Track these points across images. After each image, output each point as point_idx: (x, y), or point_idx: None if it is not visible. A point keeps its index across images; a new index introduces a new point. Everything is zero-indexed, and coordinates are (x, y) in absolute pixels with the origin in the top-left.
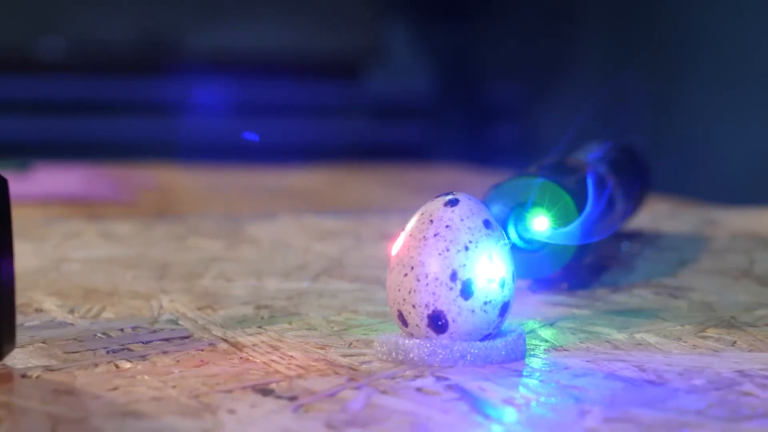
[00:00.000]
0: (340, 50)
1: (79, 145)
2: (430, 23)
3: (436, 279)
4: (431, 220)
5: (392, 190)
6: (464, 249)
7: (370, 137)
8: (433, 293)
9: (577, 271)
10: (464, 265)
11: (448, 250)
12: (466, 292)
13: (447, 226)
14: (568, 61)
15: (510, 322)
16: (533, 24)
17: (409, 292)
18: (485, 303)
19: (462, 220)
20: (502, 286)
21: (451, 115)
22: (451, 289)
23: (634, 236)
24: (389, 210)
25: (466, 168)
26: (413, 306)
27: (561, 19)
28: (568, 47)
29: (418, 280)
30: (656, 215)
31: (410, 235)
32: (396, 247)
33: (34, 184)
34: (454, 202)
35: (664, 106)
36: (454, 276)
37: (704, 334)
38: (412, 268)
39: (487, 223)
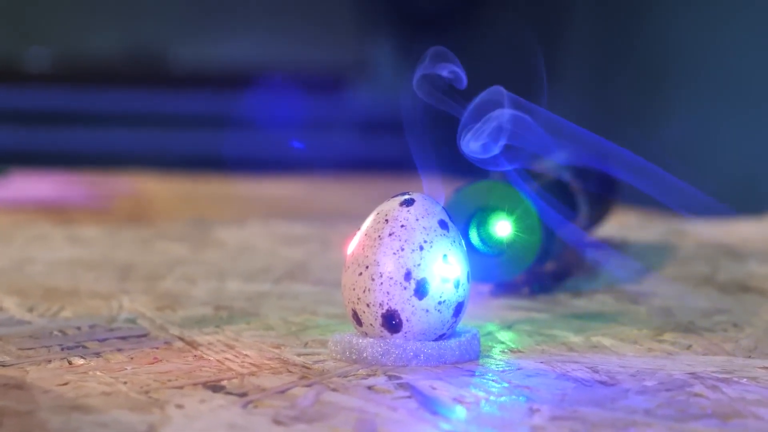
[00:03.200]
0: (325, 64)
1: (60, 154)
2: (415, 38)
3: (391, 278)
4: (386, 220)
5: (368, 200)
6: (419, 249)
7: (355, 150)
8: (387, 292)
9: (539, 276)
10: (419, 265)
11: (402, 249)
12: (421, 291)
13: (402, 226)
14: (553, 74)
15: (469, 324)
16: (518, 39)
17: (364, 291)
18: (439, 303)
19: (417, 219)
20: (457, 286)
21: (435, 128)
22: (405, 288)
23: (602, 245)
24: (360, 216)
25: (449, 180)
26: (367, 305)
27: (546, 34)
28: (553, 62)
29: (373, 280)
30: (625, 225)
31: (366, 235)
32: (351, 246)
33: (9, 189)
34: (409, 202)
35: (639, 118)
36: (408, 275)
37: (661, 338)
38: (367, 267)
39: (442, 224)
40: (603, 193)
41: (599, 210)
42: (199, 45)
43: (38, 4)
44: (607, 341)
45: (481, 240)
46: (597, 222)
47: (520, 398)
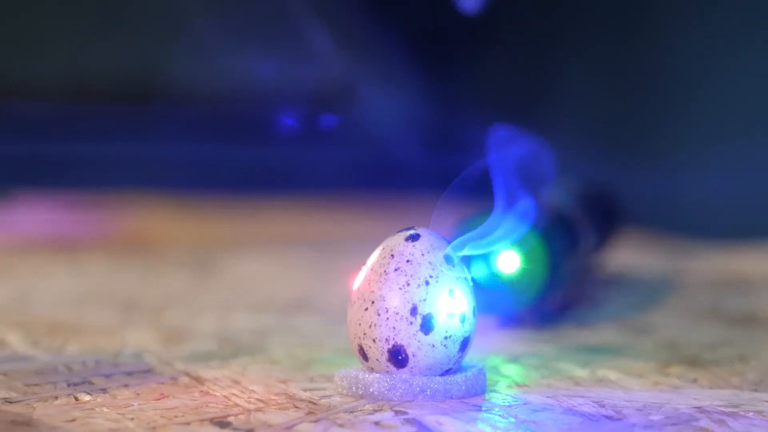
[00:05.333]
0: (324, 82)
1: (61, 174)
2: (413, 57)
3: (397, 313)
4: (392, 255)
5: (373, 227)
6: (425, 284)
7: (357, 167)
8: (393, 328)
9: (545, 309)
10: (424, 300)
11: (408, 284)
12: (426, 326)
13: (408, 261)
14: (552, 92)
15: (474, 357)
16: (517, 58)
17: (370, 327)
18: (445, 338)
19: (423, 254)
20: (463, 320)
21: (435, 147)
22: (411, 323)
23: (605, 273)
24: (366, 242)
25: (454, 200)
26: (373, 340)
27: (544, 53)
28: (552, 79)
29: (379, 315)
30: (629, 255)
31: (371, 270)
32: (357, 281)
33: (10, 214)
34: (415, 237)
35: (642, 140)
36: (414, 310)
37: (667, 371)
38: (373, 302)
39: (448, 258)
40: (608, 222)
41: (604, 240)
42: (199, 64)
43: (38, 19)
44: (613, 375)
45: (486, 272)
46: (602, 252)
47: None
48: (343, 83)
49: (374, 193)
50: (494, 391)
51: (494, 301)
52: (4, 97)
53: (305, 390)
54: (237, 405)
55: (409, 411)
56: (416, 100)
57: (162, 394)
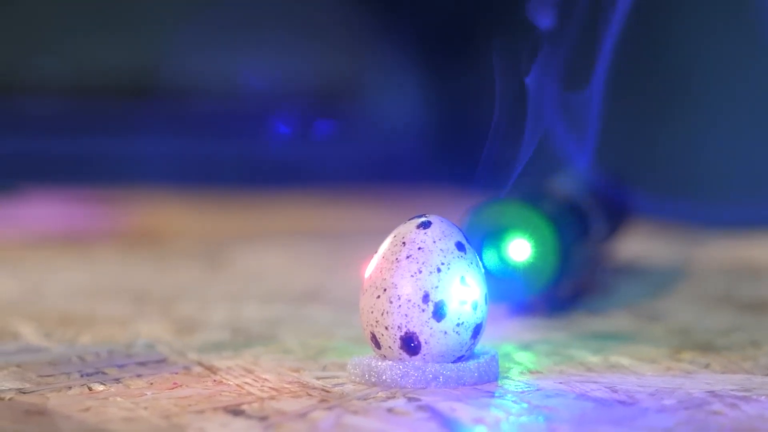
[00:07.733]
0: (331, 77)
1: (69, 168)
2: (423, 50)
3: (409, 301)
4: (404, 242)
5: (382, 218)
6: (436, 271)
7: (365, 162)
8: (406, 315)
9: (555, 296)
10: (436, 287)
11: (420, 272)
12: (439, 313)
13: (419, 248)
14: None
15: (486, 344)
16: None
17: (382, 314)
18: (458, 325)
19: (434, 242)
20: (475, 307)
21: (446, 139)
22: (423, 310)
23: (616, 261)
24: (376, 234)
25: (465, 191)
26: (386, 328)
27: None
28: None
29: (391, 302)
30: (639, 240)
31: (383, 258)
32: (369, 269)
33: (22, 210)
34: (426, 225)
35: (652, 127)
36: (426, 298)
37: (679, 356)
38: (385, 290)
39: (459, 245)
40: (618, 209)
41: (614, 227)
42: (207, 60)
43: (46, 18)
44: (625, 361)
45: (498, 260)
46: (612, 239)
47: (540, 418)
48: (349, 78)
49: (383, 186)
50: (507, 377)
51: (506, 289)
52: (15, 94)
53: (318, 378)
54: (250, 393)
55: (422, 398)
56: (422, 94)
57: (175, 383)
